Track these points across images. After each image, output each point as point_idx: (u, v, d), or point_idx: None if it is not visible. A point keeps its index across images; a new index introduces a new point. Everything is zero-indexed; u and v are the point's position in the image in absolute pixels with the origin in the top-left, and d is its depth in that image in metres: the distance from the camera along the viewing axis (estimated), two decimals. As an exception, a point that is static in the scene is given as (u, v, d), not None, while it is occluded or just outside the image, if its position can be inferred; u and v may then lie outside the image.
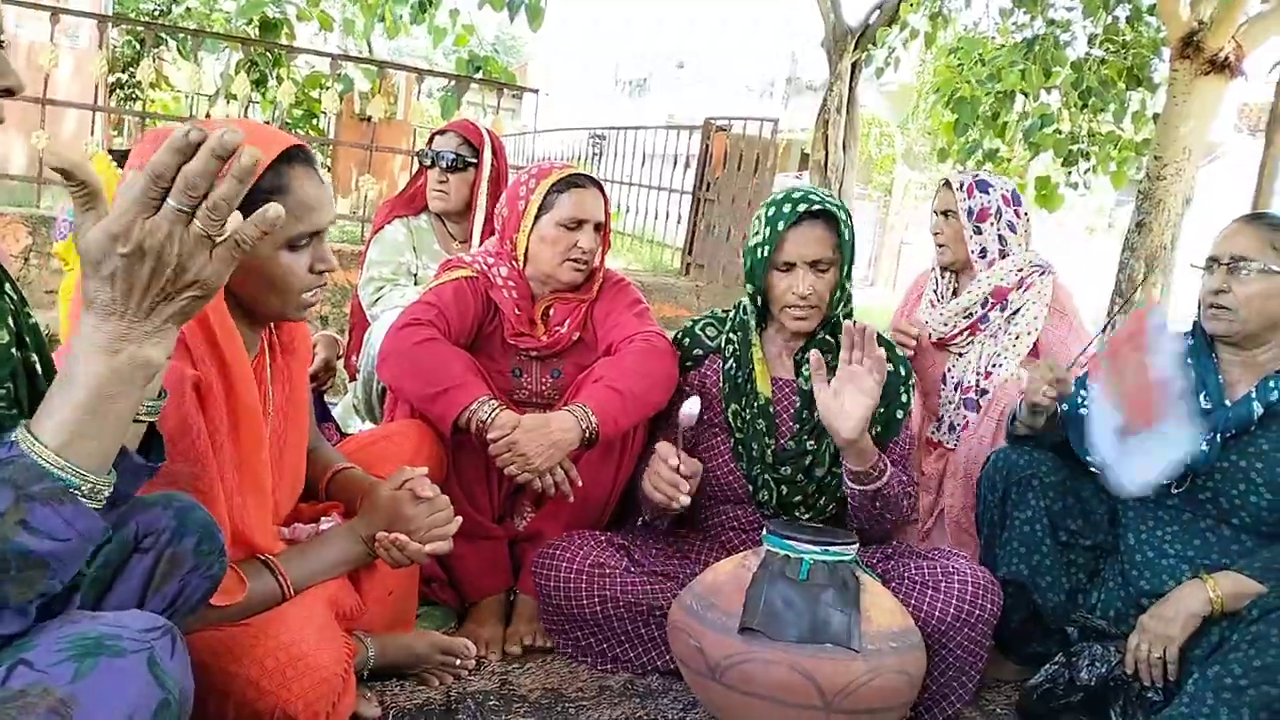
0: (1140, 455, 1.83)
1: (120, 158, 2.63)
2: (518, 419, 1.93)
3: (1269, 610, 1.64)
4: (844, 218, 2.00)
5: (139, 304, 0.87)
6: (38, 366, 1.06)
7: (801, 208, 1.98)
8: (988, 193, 2.65)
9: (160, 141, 1.38)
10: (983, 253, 2.65)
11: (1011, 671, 2.15)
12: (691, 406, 1.84)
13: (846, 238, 2.00)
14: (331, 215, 1.46)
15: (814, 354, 1.89)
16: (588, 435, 1.94)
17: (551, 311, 2.23)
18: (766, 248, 1.99)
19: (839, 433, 1.87)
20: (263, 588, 1.47)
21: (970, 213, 2.66)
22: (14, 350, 1.01)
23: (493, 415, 1.93)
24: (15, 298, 1.06)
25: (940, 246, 2.74)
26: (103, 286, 0.87)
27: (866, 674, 1.60)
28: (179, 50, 6.15)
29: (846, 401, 1.85)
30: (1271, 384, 1.86)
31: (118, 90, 6.94)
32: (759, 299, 2.07)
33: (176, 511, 1.22)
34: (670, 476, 1.87)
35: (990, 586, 1.86)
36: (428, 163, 2.95)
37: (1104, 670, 1.86)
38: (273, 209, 0.88)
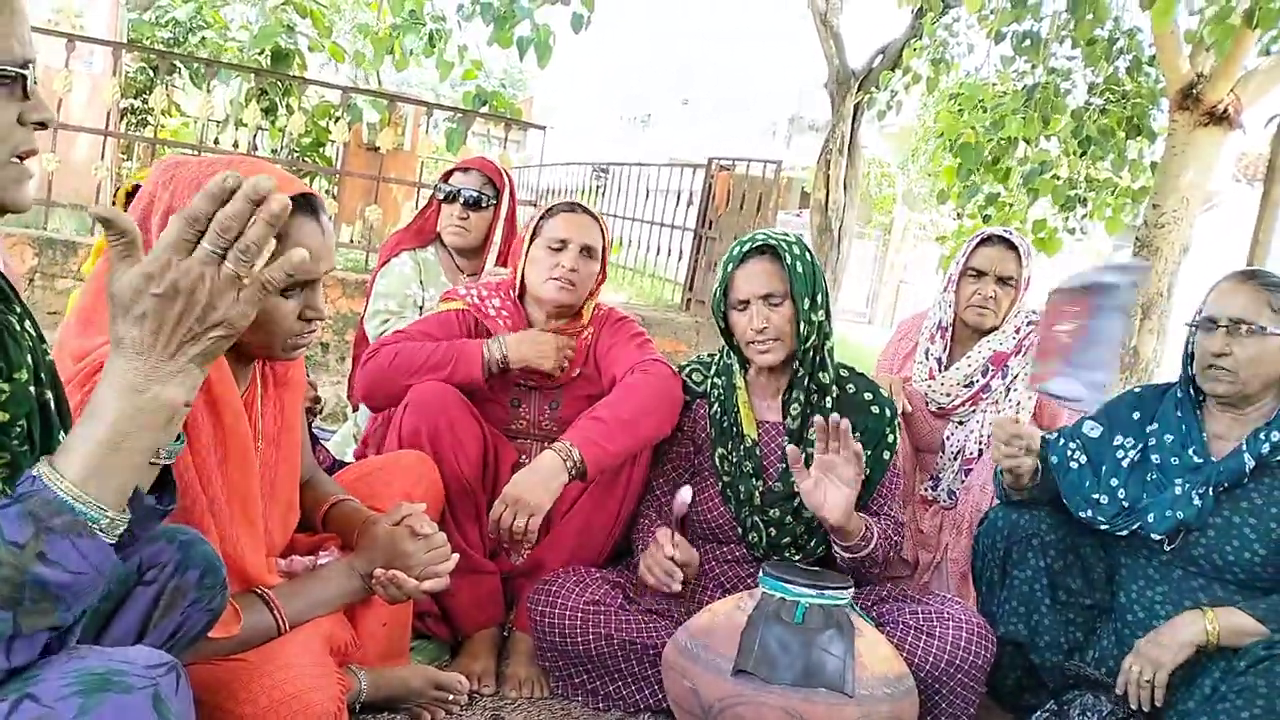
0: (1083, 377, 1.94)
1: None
2: (531, 335, 2.19)
3: (1258, 661, 1.65)
4: (792, 251, 2.04)
5: (167, 343, 0.90)
6: (52, 404, 1.07)
7: (747, 247, 2.06)
8: (1033, 258, 2.61)
9: (173, 171, 1.42)
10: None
11: (1003, 719, 2.15)
12: (684, 495, 1.89)
13: (799, 270, 2.03)
14: (329, 265, 1.48)
15: (790, 449, 1.90)
16: (573, 469, 1.95)
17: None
18: (721, 289, 2.09)
19: (825, 520, 1.90)
20: (258, 621, 1.48)
21: (1029, 282, 2.61)
22: (30, 388, 1.02)
23: (503, 346, 2.15)
24: (34, 334, 1.08)
25: (982, 311, 2.61)
26: (132, 327, 0.90)
27: (860, 718, 1.61)
28: (191, 78, 6.23)
29: (829, 491, 1.88)
30: (1262, 436, 1.89)
31: (129, 115, 7.02)
32: (733, 341, 2.12)
33: (180, 545, 1.24)
34: (666, 565, 1.90)
35: (984, 633, 1.88)
36: (443, 197, 2.98)
37: (1095, 719, 1.87)
38: (298, 253, 0.93)
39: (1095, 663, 2.00)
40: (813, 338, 2.05)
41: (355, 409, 3.06)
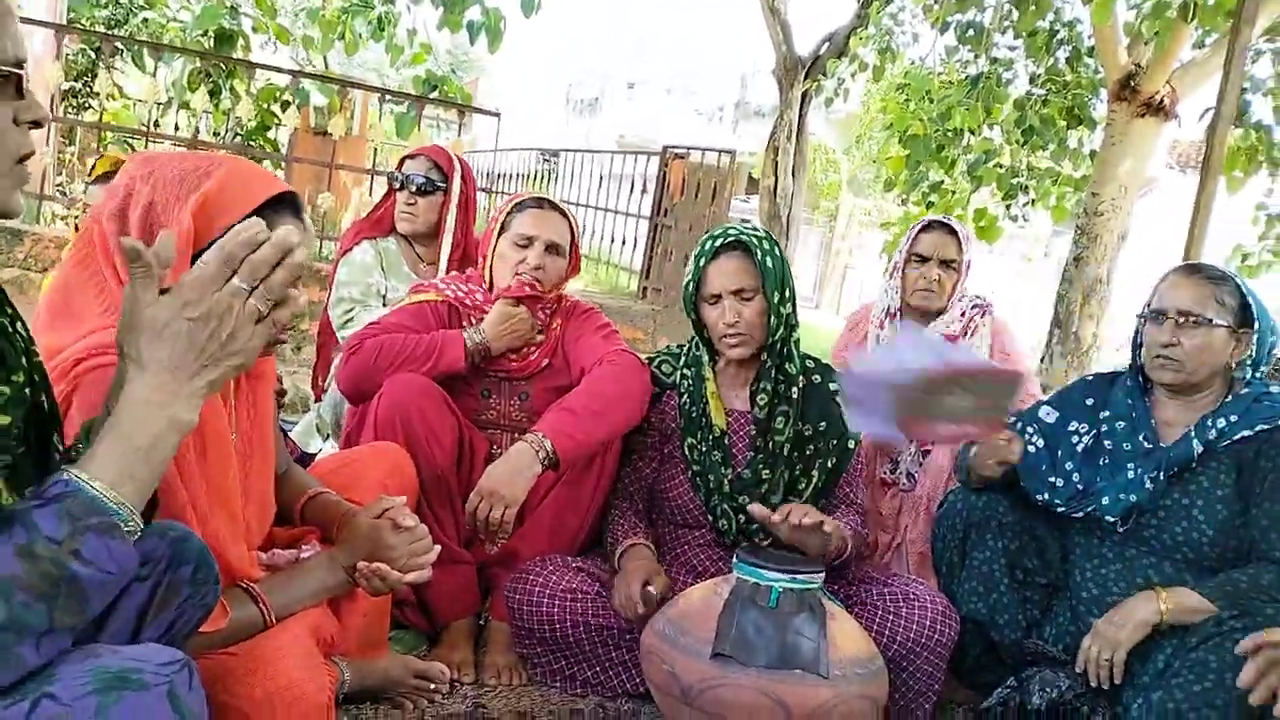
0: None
1: (106, 178, 2.63)
2: (501, 313, 2.22)
3: (1208, 638, 1.74)
4: (762, 246, 2.09)
5: (191, 365, 0.99)
6: (45, 405, 1.08)
7: (719, 242, 2.10)
8: (971, 243, 2.72)
9: (152, 166, 1.41)
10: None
11: (965, 695, 2.23)
12: (653, 589, 1.91)
13: (770, 265, 2.08)
14: (306, 260, 1.50)
15: (754, 507, 1.94)
16: (545, 459, 1.97)
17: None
18: (693, 284, 2.12)
19: (808, 552, 1.94)
20: (245, 615, 1.49)
21: (969, 266, 2.72)
22: (25, 391, 1.03)
23: (481, 333, 2.19)
24: (25, 335, 1.08)
25: (927, 293, 2.73)
26: (162, 347, 0.98)
27: (834, 699, 1.66)
28: (133, 60, 6.08)
29: (806, 535, 1.91)
30: (1209, 423, 1.98)
31: (70, 98, 6.83)
32: (703, 333, 2.16)
33: (172, 540, 1.25)
34: (634, 615, 1.91)
35: (948, 612, 1.96)
36: (397, 185, 2.99)
37: (1054, 695, 1.95)
38: (304, 297, 1.06)
39: (1052, 639, 2.08)
40: (780, 330, 2.10)
41: (318, 399, 3.05)
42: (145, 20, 7.17)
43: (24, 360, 1.06)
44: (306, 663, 1.45)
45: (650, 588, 1.92)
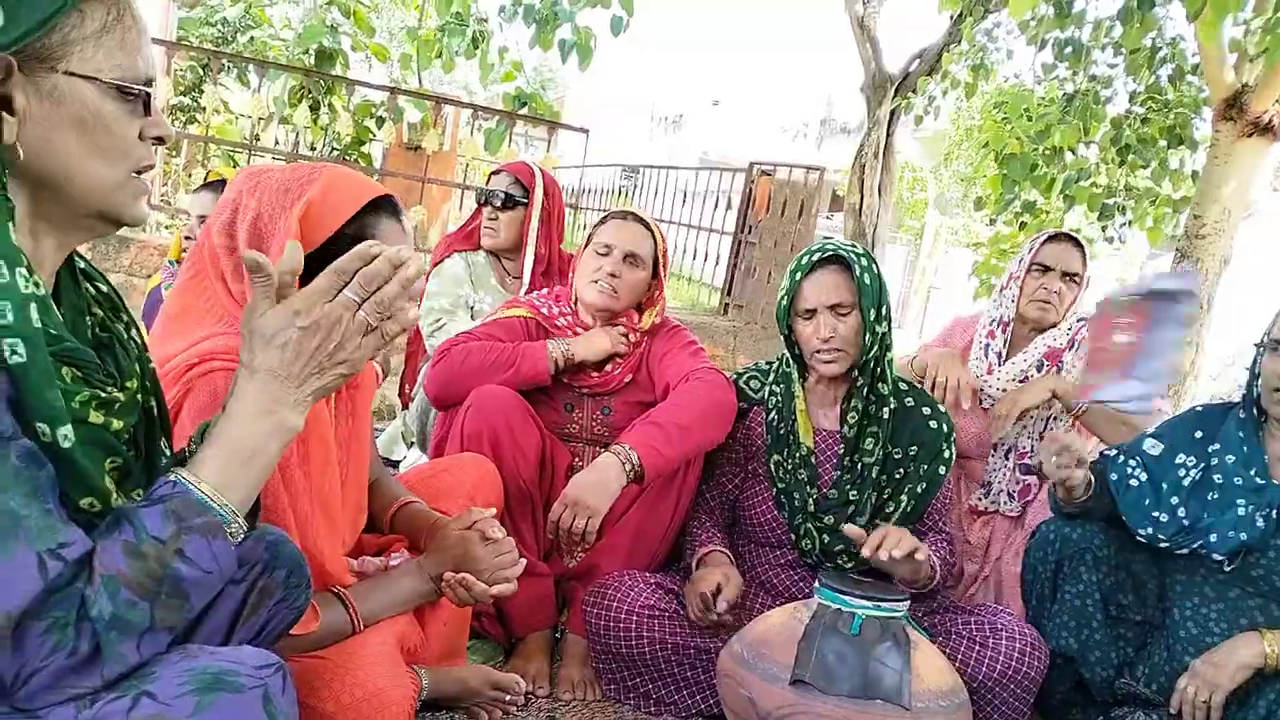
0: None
1: (218, 186, 2.73)
2: (589, 335, 2.26)
3: (1318, 685, 1.65)
4: (860, 262, 2.06)
5: (300, 372, 1.02)
6: (155, 410, 1.12)
7: (816, 256, 2.08)
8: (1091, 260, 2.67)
9: (258, 179, 1.45)
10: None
11: (1051, 733, 2.16)
12: (726, 595, 1.93)
13: (868, 282, 2.05)
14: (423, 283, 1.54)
15: (849, 528, 1.92)
16: (631, 472, 1.98)
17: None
18: (787, 298, 2.10)
19: (897, 578, 1.93)
20: (334, 619, 1.52)
21: (1089, 283, 2.66)
22: (138, 396, 1.07)
23: (569, 348, 2.22)
24: (139, 342, 1.12)
25: (1045, 305, 2.64)
26: (272, 354, 1.01)
27: (916, 731, 1.62)
28: (238, 77, 6.31)
29: (894, 561, 1.87)
30: (1327, 460, 1.88)
31: (177, 112, 7.12)
32: (795, 349, 2.13)
33: (269, 544, 1.27)
34: (710, 619, 1.94)
35: (1037, 645, 1.90)
36: (482, 200, 3.04)
37: (1147, 738, 1.88)
38: (414, 311, 1.07)
39: (1145, 679, 2.00)
40: (875, 349, 2.07)
41: (405, 407, 3.10)
42: (251, 38, 7.44)
43: (138, 367, 1.10)
44: (391, 670, 1.47)
45: (723, 598, 1.91)
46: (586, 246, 2.32)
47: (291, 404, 1.03)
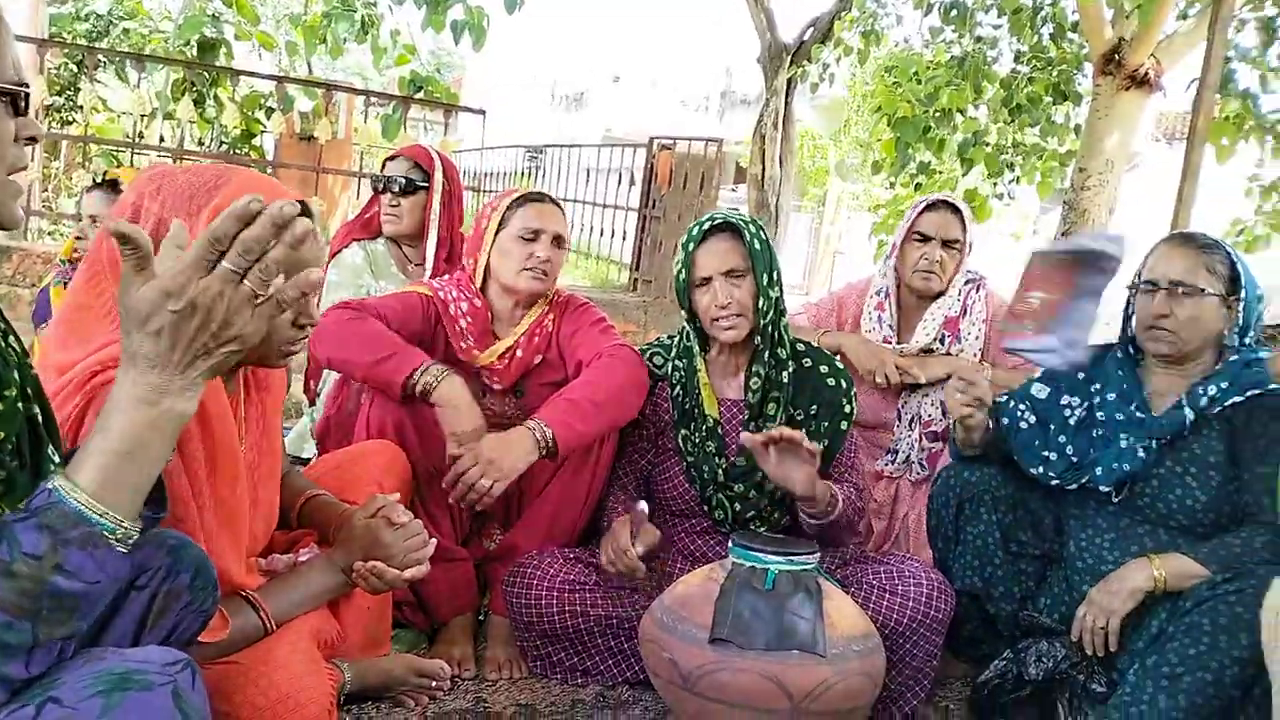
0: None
1: (111, 186, 2.64)
2: (464, 389, 2.00)
3: (1201, 601, 1.75)
4: (750, 229, 2.10)
5: (181, 358, 0.94)
6: (40, 418, 1.08)
7: (707, 226, 2.12)
8: (973, 223, 2.69)
9: (160, 181, 1.41)
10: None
11: (962, 669, 2.24)
12: (641, 507, 1.94)
13: (758, 247, 2.08)
14: (323, 271, 1.51)
15: (745, 435, 1.96)
16: (544, 445, 1.98)
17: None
18: (684, 270, 2.12)
19: (791, 491, 1.97)
20: (245, 623, 1.49)
21: (971, 247, 2.68)
22: (20, 404, 1.03)
23: (440, 378, 2.00)
24: (19, 349, 1.09)
25: (929, 275, 2.66)
26: (147, 341, 0.93)
27: (832, 677, 1.67)
28: (116, 73, 6.07)
29: (791, 468, 1.94)
30: (1200, 391, 1.99)
31: (53, 113, 6.81)
32: (695, 322, 2.16)
33: (170, 549, 1.25)
34: (627, 561, 1.94)
35: (944, 588, 1.98)
36: (379, 187, 3.00)
37: (1050, 665, 1.97)
38: (314, 272, 0.99)
39: (1047, 610, 2.10)
40: (770, 313, 2.10)
41: (311, 403, 3.05)
42: (126, 31, 7.15)
43: (16, 374, 1.06)
44: (307, 669, 1.47)
45: (640, 541, 1.94)
46: (500, 229, 2.27)
47: (177, 390, 0.95)
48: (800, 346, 2.21)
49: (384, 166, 3.06)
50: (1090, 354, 2.16)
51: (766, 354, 2.12)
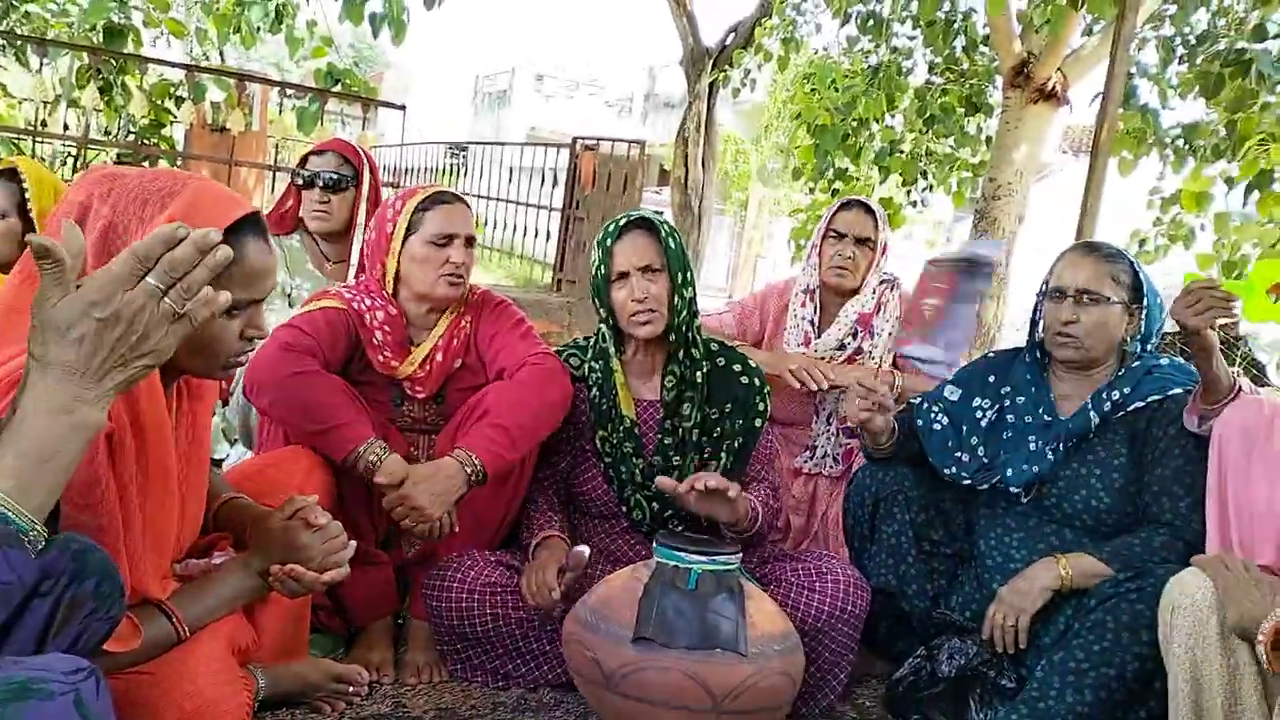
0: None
1: (8, 174, 2.51)
2: (405, 468, 1.95)
3: (1105, 599, 1.82)
4: (664, 228, 2.12)
5: (99, 368, 0.97)
6: None
7: (622, 222, 2.13)
8: (887, 225, 2.79)
9: (111, 184, 1.35)
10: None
11: (878, 667, 2.29)
12: (581, 552, 1.94)
13: (673, 246, 2.11)
14: (274, 282, 1.47)
15: (662, 480, 1.98)
16: (474, 478, 1.97)
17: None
18: (601, 266, 2.12)
19: (718, 519, 2.00)
20: (157, 632, 1.44)
21: (885, 248, 2.77)
22: None
23: (381, 458, 1.95)
24: None
25: (842, 271, 2.75)
26: (68, 350, 0.96)
27: (753, 676, 1.70)
28: (16, 58, 5.82)
29: (716, 504, 1.96)
30: (1104, 396, 2.07)
31: (-53, 99, 6.51)
32: (611, 320, 2.15)
33: (74, 554, 1.20)
34: (546, 598, 1.93)
35: (859, 584, 2.02)
36: (300, 182, 2.92)
37: (962, 662, 2.02)
38: (223, 296, 1.03)
39: (959, 607, 2.16)
40: (684, 313, 2.12)
41: (224, 404, 2.97)
42: (27, 15, 6.85)
43: None
44: (222, 678, 1.43)
45: (581, 548, 1.94)
46: (409, 234, 2.18)
47: (92, 400, 0.98)
48: (714, 346, 2.23)
49: (305, 161, 2.97)
50: (998, 356, 2.24)
51: (681, 353, 2.14)
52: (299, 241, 2.97)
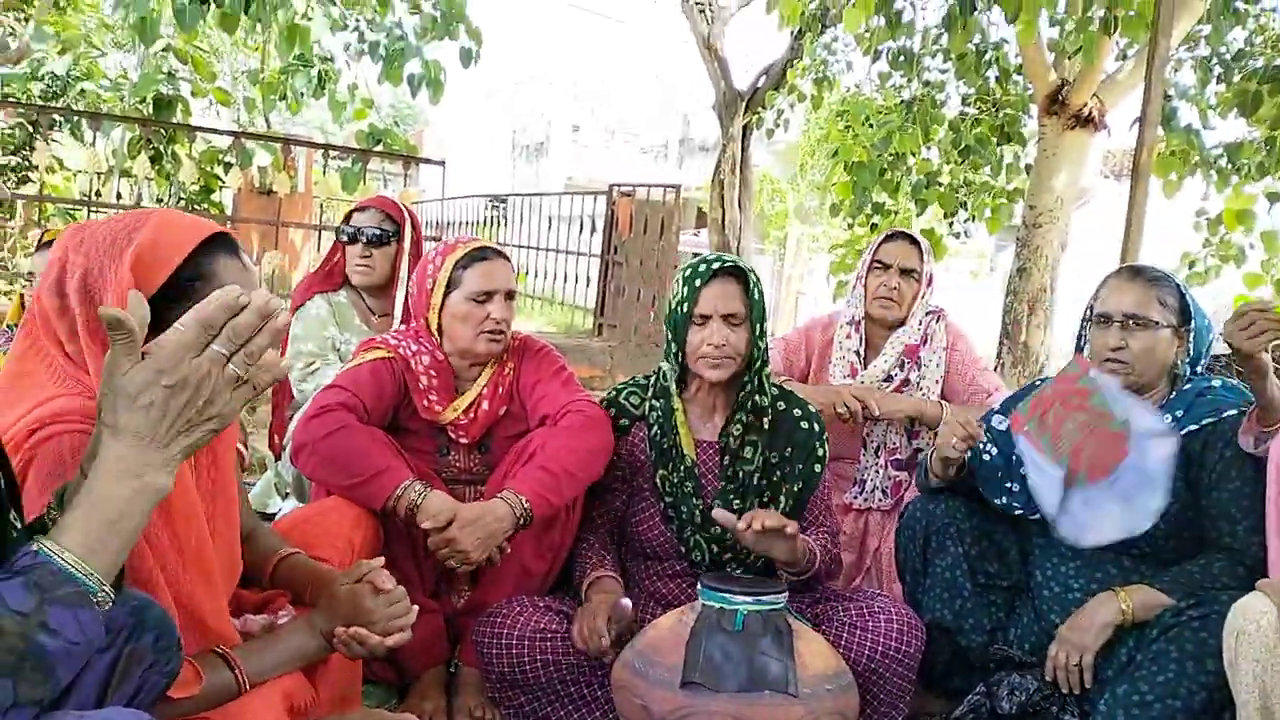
0: (1095, 511, 1.94)
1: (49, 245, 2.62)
2: (450, 506, 1.97)
3: (1167, 629, 1.78)
4: (753, 278, 2.13)
5: (166, 433, 1.00)
6: (1, 483, 1.07)
7: (715, 265, 2.12)
8: (931, 256, 2.79)
9: (81, 234, 1.40)
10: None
11: (936, 705, 2.24)
12: (625, 605, 1.95)
13: (757, 297, 2.12)
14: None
15: (719, 512, 1.98)
16: (522, 521, 1.99)
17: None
18: (685, 304, 2.11)
19: (776, 559, 1.99)
20: (219, 680, 1.46)
21: (930, 279, 2.77)
22: None
23: (422, 497, 1.97)
24: None
25: (887, 302, 2.76)
26: (137, 416, 0.99)
27: (805, 717, 1.67)
28: (71, 132, 6.05)
29: (772, 542, 1.95)
30: (1157, 420, 2.03)
31: (9, 173, 6.76)
32: (679, 357, 2.15)
33: (133, 609, 1.23)
34: (597, 644, 1.91)
35: (914, 623, 1.98)
36: (346, 239, 2.99)
37: (1023, 698, 1.98)
38: (285, 363, 1.06)
39: (1017, 641, 2.11)
40: (758, 363, 2.13)
41: (277, 458, 3.02)
42: (83, 91, 7.13)
43: None
44: (277, 730, 1.43)
45: (624, 600, 1.94)
46: (450, 291, 2.21)
47: (160, 465, 1.00)
48: (775, 390, 2.23)
49: (349, 218, 3.06)
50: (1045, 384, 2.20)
51: (750, 402, 2.14)
52: (346, 298, 3.04)
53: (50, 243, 2.68)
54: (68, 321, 1.35)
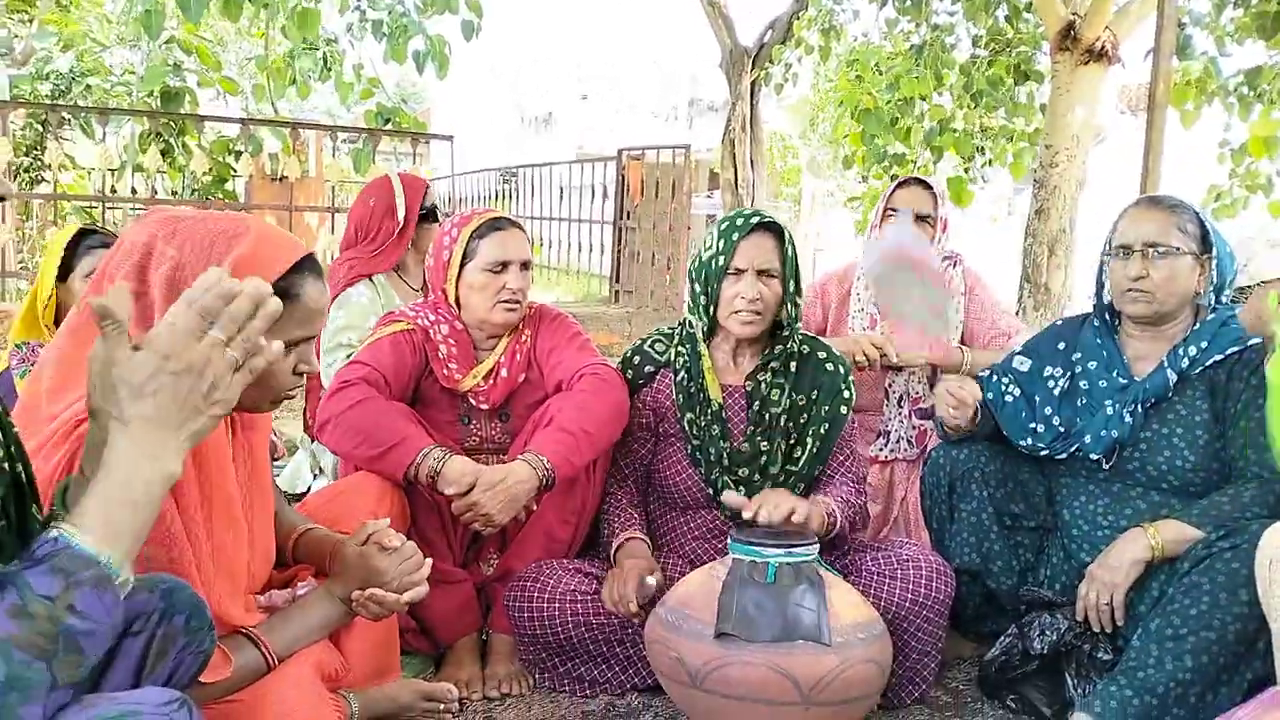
0: None
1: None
2: (473, 469, 1.98)
3: (1199, 561, 1.76)
4: (788, 233, 2.14)
5: (175, 417, 1.02)
6: (23, 476, 1.09)
7: (754, 220, 2.12)
8: (946, 200, 2.75)
9: (175, 226, 1.41)
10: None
11: (969, 649, 2.25)
12: (650, 583, 1.95)
13: (791, 254, 2.12)
14: (324, 321, 1.54)
15: (728, 495, 2.01)
16: (545, 482, 2.00)
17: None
18: (721, 257, 2.11)
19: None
20: (247, 660, 1.48)
21: (945, 223, 2.74)
22: (4, 465, 1.05)
23: (442, 462, 1.98)
24: (1, 409, 1.09)
25: None
26: (145, 403, 1.01)
27: (839, 666, 1.68)
28: (81, 129, 6.07)
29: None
30: (1180, 352, 2.01)
31: (22, 174, 6.81)
32: (711, 309, 2.15)
33: (163, 593, 1.25)
34: (626, 608, 1.93)
35: (943, 570, 1.99)
36: (429, 215, 3.11)
37: (1055, 638, 1.97)
38: (276, 345, 1.09)
39: (1047, 581, 2.10)
40: (792, 320, 2.15)
41: (313, 439, 3.04)
42: (89, 88, 7.15)
43: (0, 435, 1.07)
44: (310, 703, 1.46)
45: (650, 579, 1.94)
46: (465, 262, 2.21)
47: (173, 450, 1.03)
48: (800, 334, 2.23)
49: (424, 196, 3.11)
50: (1065, 323, 2.19)
51: (781, 354, 2.16)
52: (386, 279, 3.05)
53: (90, 244, 2.59)
54: (142, 307, 1.35)
